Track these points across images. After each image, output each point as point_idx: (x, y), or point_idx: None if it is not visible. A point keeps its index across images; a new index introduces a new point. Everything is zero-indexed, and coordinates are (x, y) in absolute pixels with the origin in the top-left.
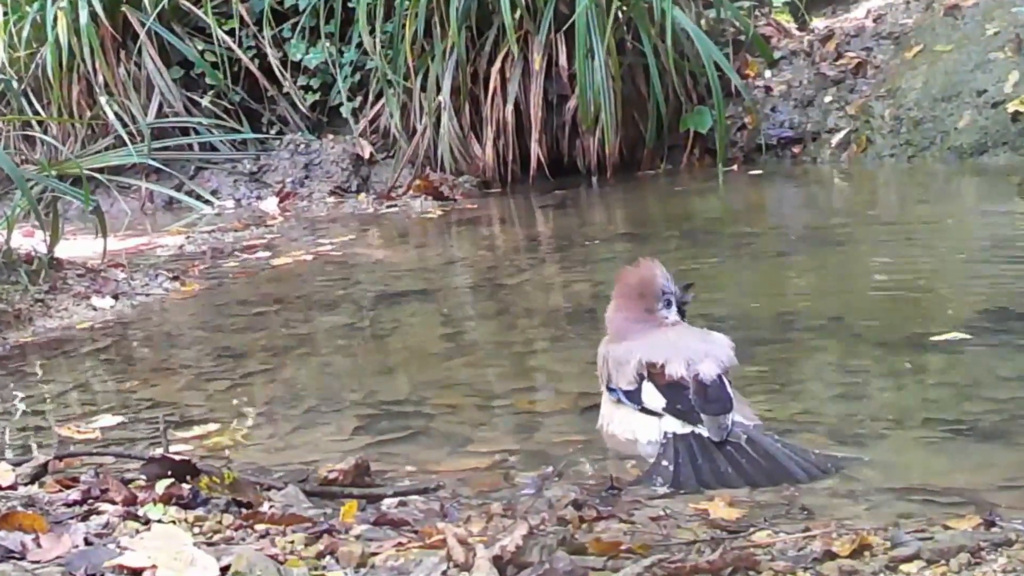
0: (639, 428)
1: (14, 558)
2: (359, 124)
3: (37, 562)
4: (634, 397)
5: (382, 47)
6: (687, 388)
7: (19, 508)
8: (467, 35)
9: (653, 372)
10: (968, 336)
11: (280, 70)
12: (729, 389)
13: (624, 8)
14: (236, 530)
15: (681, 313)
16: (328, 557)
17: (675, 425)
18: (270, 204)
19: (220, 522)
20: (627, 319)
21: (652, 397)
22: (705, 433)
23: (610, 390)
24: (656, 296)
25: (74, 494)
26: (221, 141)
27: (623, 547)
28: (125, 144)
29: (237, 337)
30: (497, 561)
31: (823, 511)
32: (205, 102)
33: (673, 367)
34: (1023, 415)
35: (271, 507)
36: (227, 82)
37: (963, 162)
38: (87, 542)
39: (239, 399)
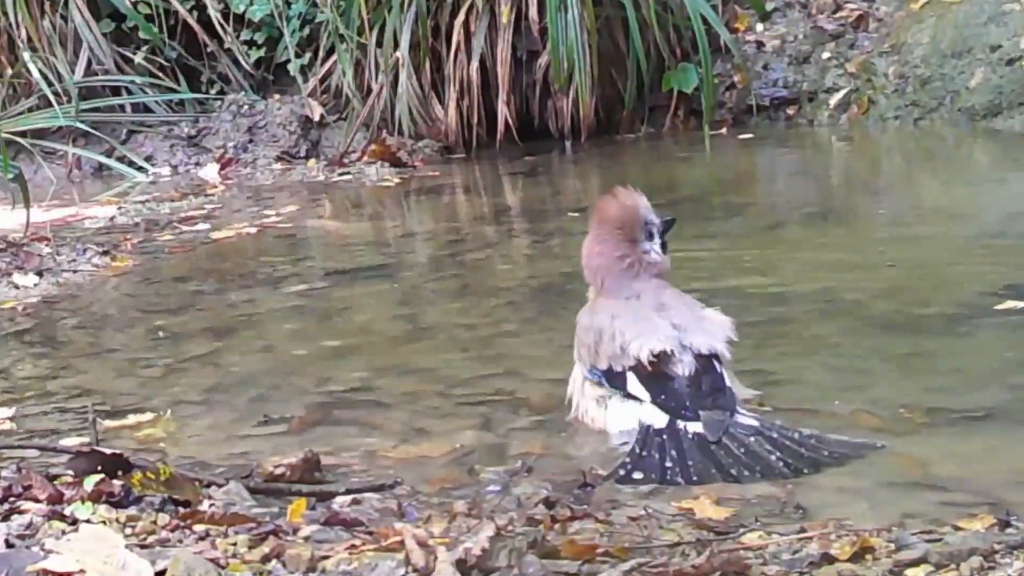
0: (618, 415)
1: None
2: (308, 83)
3: None
4: (617, 382)
5: None
6: (675, 378)
7: None
8: None
9: (639, 359)
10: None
11: (221, 23)
12: (726, 379)
13: None
14: (172, 531)
15: (663, 247)
16: (274, 560)
17: (661, 415)
18: (210, 171)
19: (155, 522)
20: (607, 255)
21: (637, 385)
22: (695, 428)
23: (590, 371)
24: (638, 226)
25: None
26: (156, 102)
27: (600, 550)
28: (50, 105)
29: (174, 318)
30: (461, 565)
31: (820, 510)
32: (138, 59)
33: (662, 352)
34: None
35: (211, 506)
36: (163, 37)
37: (974, 125)
38: (8, 544)
39: (176, 386)
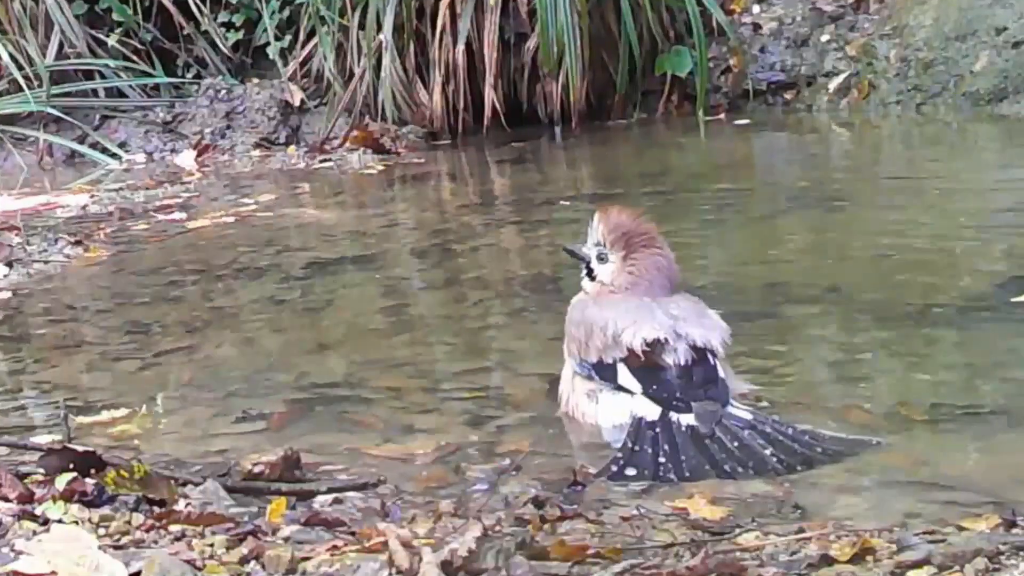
0: (610, 409)
1: None
2: (288, 67)
3: None
4: (607, 374)
5: None
6: (666, 368)
7: None
8: None
9: (632, 350)
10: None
11: (198, 4)
12: (719, 371)
13: None
14: (147, 531)
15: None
16: (253, 562)
17: (653, 408)
18: (186, 158)
19: (129, 522)
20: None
21: (628, 377)
22: (688, 420)
23: (579, 365)
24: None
25: None
26: (130, 86)
27: (590, 551)
28: (21, 89)
29: (149, 310)
30: (446, 567)
31: (819, 509)
32: (112, 41)
33: (655, 340)
34: None
35: (187, 505)
36: (137, 18)
37: (979, 110)
38: None
39: (151, 381)
